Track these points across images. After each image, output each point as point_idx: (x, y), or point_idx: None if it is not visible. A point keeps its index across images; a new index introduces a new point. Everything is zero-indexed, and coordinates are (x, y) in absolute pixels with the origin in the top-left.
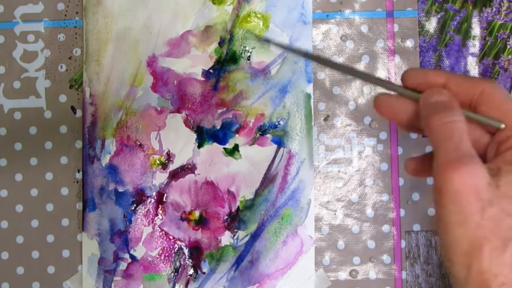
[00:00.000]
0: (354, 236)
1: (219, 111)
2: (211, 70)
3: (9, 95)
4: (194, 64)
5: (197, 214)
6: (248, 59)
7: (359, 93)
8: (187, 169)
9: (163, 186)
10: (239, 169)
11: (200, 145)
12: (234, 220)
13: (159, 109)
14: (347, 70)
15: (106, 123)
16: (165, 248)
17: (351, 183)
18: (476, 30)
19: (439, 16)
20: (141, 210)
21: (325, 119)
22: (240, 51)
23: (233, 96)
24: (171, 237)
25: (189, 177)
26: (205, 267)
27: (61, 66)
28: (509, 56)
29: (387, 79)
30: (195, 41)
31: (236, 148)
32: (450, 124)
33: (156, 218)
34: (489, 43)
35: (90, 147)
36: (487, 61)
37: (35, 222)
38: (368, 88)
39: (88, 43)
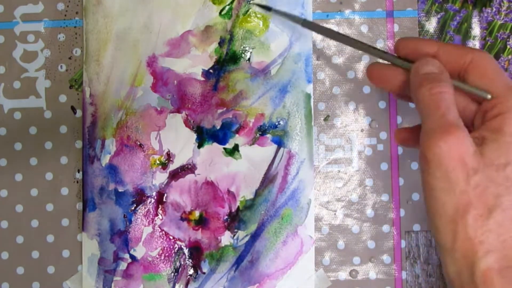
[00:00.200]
0: (354, 236)
1: (219, 111)
2: (211, 70)
3: (9, 95)
4: (194, 64)
5: (197, 214)
6: (248, 59)
7: (359, 93)
8: (187, 169)
9: (163, 186)
10: (239, 169)
11: (200, 145)
12: (234, 220)
13: (159, 109)
14: (342, 39)
15: (106, 123)
16: (165, 248)
17: (351, 183)
18: (476, 30)
19: (439, 16)
20: (141, 210)
21: (325, 119)
22: (240, 51)
23: (233, 96)
24: (171, 237)
25: (189, 177)
26: (205, 267)
27: (61, 66)
28: (509, 56)
29: (382, 49)
30: (195, 41)
31: (236, 148)
32: (438, 95)
33: (156, 218)
34: (489, 43)
35: (90, 147)
36: None
37: (35, 222)
38: (368, 88)
39: (88, 43)
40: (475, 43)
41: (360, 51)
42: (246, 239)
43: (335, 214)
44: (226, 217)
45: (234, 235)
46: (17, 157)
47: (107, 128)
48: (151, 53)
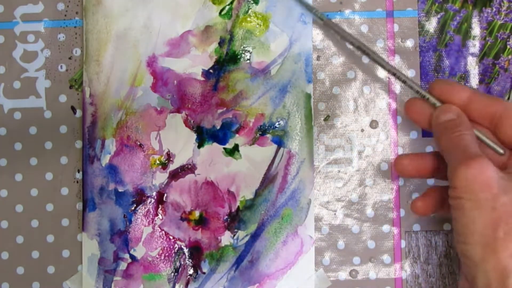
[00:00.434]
0: (354, 236)
1: (219, 111)
2: (211, 70)
3: (9, 95)
4: (194, 64)
5: (197, 214)
6: (248, 59)
7: (359, 93)
8: (187, 169)
9: (163, 186)
10: (239, 169)
11: (200, 145)
12: (234, 220)
13: (159, 109)
14: (375, 59)
15: (106, 123)
16: (165, 248)
17: (351, 183)
18: (476, 30)
19: (439, 16)
20: (141, 210)
21: (325, 119)
22: (240, 51)
23: (233, 96)
24: (171, 237)
25: (189, 177)
26: (205, 267)
27: (61, 66)
28: (509, 56)
29: (416, 83)
30: (195, 41)
31: (236, 148)
32: (458, 137)
33: (156, 218)
34: (489, 43)
35: (90, 147)
36: (487, 61)
37: (35, 222)
38: (368, 88)
39: (88, 43)
40: (475, 43)
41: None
42: (246, 239)
43: (335, 214)
44: (226, 217)
45: (234, 235)
46: (17, 157)
47: (107, 128)
48: (151, 53)
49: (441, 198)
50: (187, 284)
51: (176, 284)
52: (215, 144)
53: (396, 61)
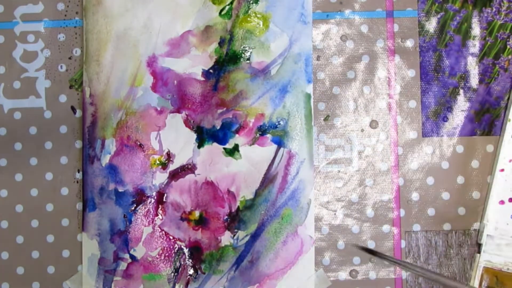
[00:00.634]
0: (354, 236)
1: (219, 111)
2: (211, 70)
3: (9, 95)
4: (194, 64)
5: (197, 214)
6: (248, 59)
7: (359, 93)
8: (187, 169)
9: (163, 186)
10: (239, 169)
11: (200, 145)
12: (234, 220)
13: (159, 109)
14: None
15: (106, 123)
16: (165, 248)
17: (351, 183)
18: (476, 30)
19: (439, 16)
20: (141, 210)
21: (325, 119)
22: (240, 51)
23: (233, 96)
24: (171, 237)
25: (189, 177)
26: (205, 267)
27: (61, 66)
28: (509, 56)
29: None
30: (195, 41)
31: (236, 148)
32: None
33: (156, 218)
34: (489, 43)
35: (90, 147)
36: (487, 61)
37: (35, 222)
38: (368, 88)
39: (88, 43)
40: (475, 43)
41: (360, 53)
42: (246, 239)
43: (335, 214)
44: (226, 217)
45: (234, 235)
46: (17, 157)
47: (107, 128)
48: (151, 53)
49: None
50: (187, 284)
51: (176, 284)
52: (215, 144)
53: (396, 61)
